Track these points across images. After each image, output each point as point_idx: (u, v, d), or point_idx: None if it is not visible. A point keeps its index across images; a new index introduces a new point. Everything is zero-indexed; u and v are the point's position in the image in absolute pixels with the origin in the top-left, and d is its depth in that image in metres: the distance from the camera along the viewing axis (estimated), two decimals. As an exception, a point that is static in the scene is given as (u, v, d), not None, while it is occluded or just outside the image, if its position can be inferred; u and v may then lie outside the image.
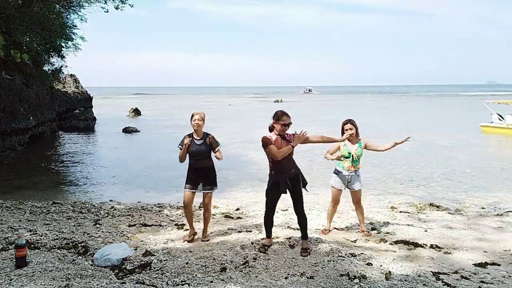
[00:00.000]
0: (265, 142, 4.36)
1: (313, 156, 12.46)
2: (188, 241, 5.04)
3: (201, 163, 4.95)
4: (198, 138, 4.97)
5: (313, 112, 36.93)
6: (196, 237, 5.22)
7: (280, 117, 4.35)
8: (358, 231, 5.50)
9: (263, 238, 4.86)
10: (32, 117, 15.75)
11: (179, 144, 4.98)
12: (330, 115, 31.72)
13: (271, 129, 4.51)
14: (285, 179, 4.35)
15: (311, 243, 4.84)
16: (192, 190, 5.01)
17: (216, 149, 4.98)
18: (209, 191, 5.06)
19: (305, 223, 4.59)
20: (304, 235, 4.59)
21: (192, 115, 4.96)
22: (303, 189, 4.54)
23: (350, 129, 5.11)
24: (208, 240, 5.11)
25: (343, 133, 5.17)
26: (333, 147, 5.28)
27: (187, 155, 4.99)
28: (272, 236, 5.00)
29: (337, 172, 5.28)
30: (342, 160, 5.23)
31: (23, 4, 12.66)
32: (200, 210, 7.17)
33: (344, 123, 5.19)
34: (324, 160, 5.32)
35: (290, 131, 4.50)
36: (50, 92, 19.25)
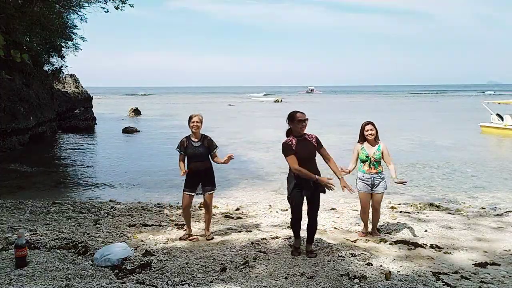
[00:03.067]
0: (285, 149, 4.15)
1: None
2: (183, 239, 5.12)
3: (199, 165, 4.97)
4: (196, 140, 5.00)
5: (313, 112, 36.92)
6: (193, 237, 5.26)
7: (294, 115, 4.18)
8: (367, 233, 5.43)
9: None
10: (32, 117, 15.74)
11: (178, 147, 5.04)
12: (331, 115, 31.71)
13: (288, 133, 4.31)
14: (308, 184, 4.15)
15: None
16: (191, 193, 5.08)
17: (213, 151, 5.02)
18: (209, 192, 5.10)
19: (315, 228, 4.48)
20: (310, 239, 4.48)
21: (190, 117, 5.00)
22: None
23: (371, 129, 5.07)
24: (212, 239, 5.16)
25: (362, 133, 5.13)
26: (354, 153, 5.22)
27: (185, 157, 5.03)
28: (274, 236, 5.00)
29: (360, 177, 5.22)
30: (361, 165, 5.19)
31: (23, 4, 12.63)
32: (200, 210, 7.19)
33: (365, 124, 5.14)
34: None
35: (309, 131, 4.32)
36: (50, 92, 19.24)
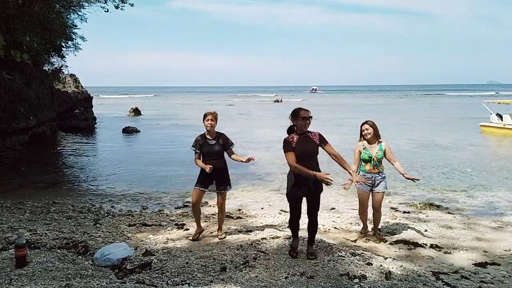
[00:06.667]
0: (285, 145, 4.11)
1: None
2: (194, 240, 5.09)
3: (214, 163, 4.86)
4: (211, 138, 4.93)
5: (313, 112, 36.87)
6: (201, 235, 5.27)
7: (298, 112, 4.15)
8: (371, 234, 5.40)
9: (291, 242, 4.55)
10: (32, 117, 15.73)
11: (193, 146, 4.96)
12: (332, 114, 31.70)
13: (290, 130, 4.27)
14: (308, 181, 4.08)
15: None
16: (202, 189, 5.00)
17: (230, 148, 4.98)
18: (223, 191, 5.07)
19: (315, 229, 4.42)
20: (311, 240, 4.41)
21: (205, 115, 4.90)
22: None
23: (366, 129, 5.07)
24: (224, 238, 5.16)
25: (361, 134, 5.14)
26: (356, 153, 5.18)
27: (200, 155, 4.97)
28: (274, 236, 4.99)
29: (361, 176, 5.21)
30: (362, 164, 5.16)
31: (23, 3, 12.64)
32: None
33: (362, 124, 5.16)
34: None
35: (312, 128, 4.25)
36: (50, 92, 19.22)
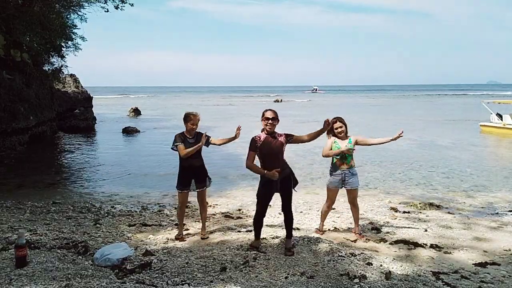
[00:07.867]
0: (250, 144, 4.40)
1: (314, 156, 12.44)
2: (177, 239, 5.11)
3: (193, 162, 4.99)
4: (191, 136, 5.02)
5: (311, 113, 36.93)
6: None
7: (264, 113, 4.42)
8: (351, 231, 5.45)
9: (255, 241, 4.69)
10: (32, 117, 15.74)
11: (174, 143, 5.00)
12: (333, 115, 31.62)
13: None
14: (277, 178, 4.30)
15: (311, 243, 4.84)
16: (185, 191, 5.09)
17: (211, 140, 5.06)
18: (203, 189, 5.13)
19: (291, 222, 4.60)
20: (289, 234, 4.58)
21: (189, 117, 4.96)
22: (293, 189, 4.55)
23: (340, 127, 5.06)
24: (207, 238, 5.17)
25: (331, 129, 5.11)
26: (327, 146, 5.19)
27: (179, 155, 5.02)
28: (274, 236, 5.00)
29: (331, 172, 5.23)
30: (336, 158, 5.13)
31: (23, 3, 12.65)
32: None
33: (333, 122, 5.08)
34: (324, 160, 5.25)
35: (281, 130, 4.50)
36: (50, 92, 19.22)
